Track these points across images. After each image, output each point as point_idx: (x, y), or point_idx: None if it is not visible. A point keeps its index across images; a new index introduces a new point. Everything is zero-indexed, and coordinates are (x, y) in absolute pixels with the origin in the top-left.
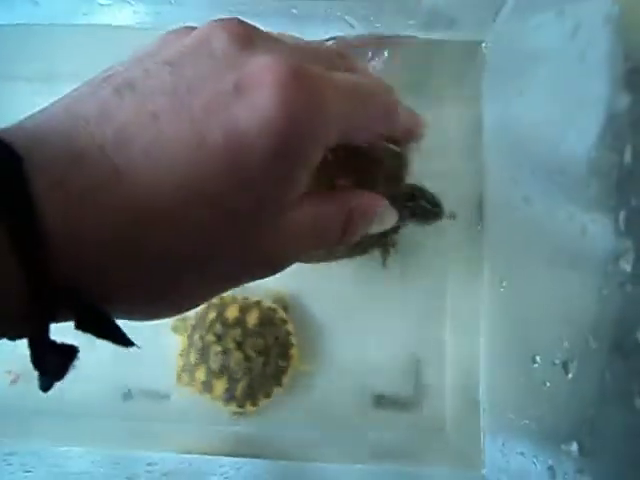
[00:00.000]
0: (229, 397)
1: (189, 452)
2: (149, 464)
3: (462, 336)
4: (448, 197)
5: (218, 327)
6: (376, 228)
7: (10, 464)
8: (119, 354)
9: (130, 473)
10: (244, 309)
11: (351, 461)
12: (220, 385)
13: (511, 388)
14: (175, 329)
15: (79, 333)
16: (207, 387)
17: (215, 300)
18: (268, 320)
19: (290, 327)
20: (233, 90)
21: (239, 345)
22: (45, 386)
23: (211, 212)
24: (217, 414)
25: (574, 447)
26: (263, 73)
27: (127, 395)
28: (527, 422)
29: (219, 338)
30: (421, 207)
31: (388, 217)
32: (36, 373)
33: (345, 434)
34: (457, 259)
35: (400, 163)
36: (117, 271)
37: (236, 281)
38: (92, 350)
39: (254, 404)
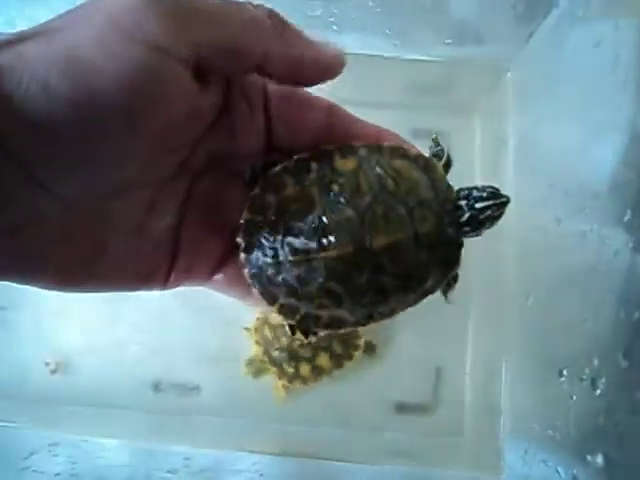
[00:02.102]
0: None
1: (220, 446)
2: (186, 459)
3: (483, 347)
4: None
5: None
6: None
7: (56, 455)
8: (150, 349)
9: (170, 467)
10: None
11: (373, 461)
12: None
13: (535, 399)
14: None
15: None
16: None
17: None
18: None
19: None
20: None
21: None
22: None
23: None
24: (244, 407)
25: (600, 459)
26: None
27: (157, 388)
28: (551, 432)
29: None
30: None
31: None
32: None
33: (368, 436)
34: (480, 273)
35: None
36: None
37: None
38: (125, 346)
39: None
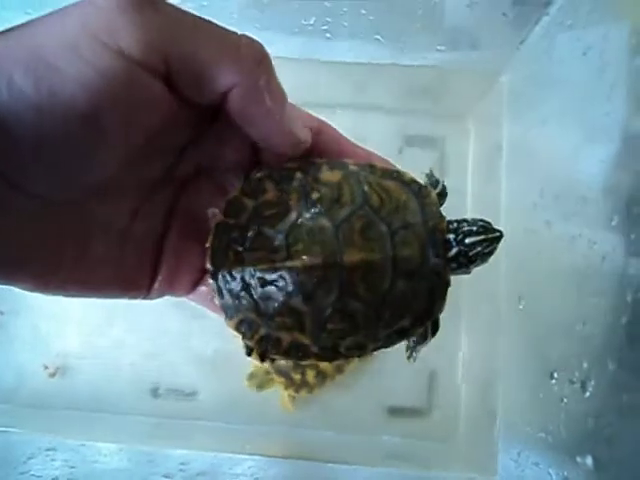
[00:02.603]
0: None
1: (217, 449)
2: (182, 463)
3: (477, 350)
4: (466, 213)
5: None
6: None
7: (54, 460)
8: (148, 354)
9: (166, 471)
10: None
11: (368, 464)
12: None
13: (528, 402)
14: None
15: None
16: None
17: None
18: None
19: None
20: None
21: None
22: None
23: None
24: (241, 411)
25: (589, 460)
26: None
27: (155, 393)
28: (543, 435)
29: None
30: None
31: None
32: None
33: (364, 440)
34: (473, 277)
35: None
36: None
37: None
38: (122, 350)
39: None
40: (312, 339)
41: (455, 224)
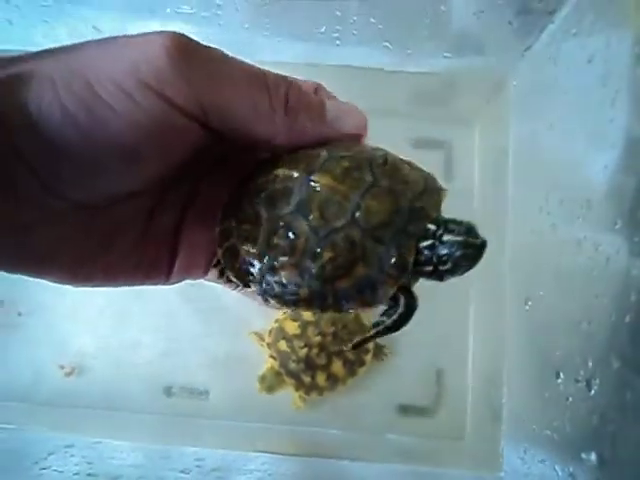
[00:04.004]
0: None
1: (230, 447)
2: (198, 459)
3: (484, 350)
4: (473, 218)
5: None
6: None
7: (73, 455)
8: (162, 354)
9: (183, 467)
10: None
11: (376, 461)
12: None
13: (534, 401)
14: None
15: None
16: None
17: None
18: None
19: None
20: None
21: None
22: None
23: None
24: (253, 410)
25: (593, 457)
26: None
27: (169, 392)
28: (549, 433)
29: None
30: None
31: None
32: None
33: (372, 438)
34: (479, 278)
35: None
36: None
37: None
38: (137, 350)
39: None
40: (259, 254)
41: (444, 221)
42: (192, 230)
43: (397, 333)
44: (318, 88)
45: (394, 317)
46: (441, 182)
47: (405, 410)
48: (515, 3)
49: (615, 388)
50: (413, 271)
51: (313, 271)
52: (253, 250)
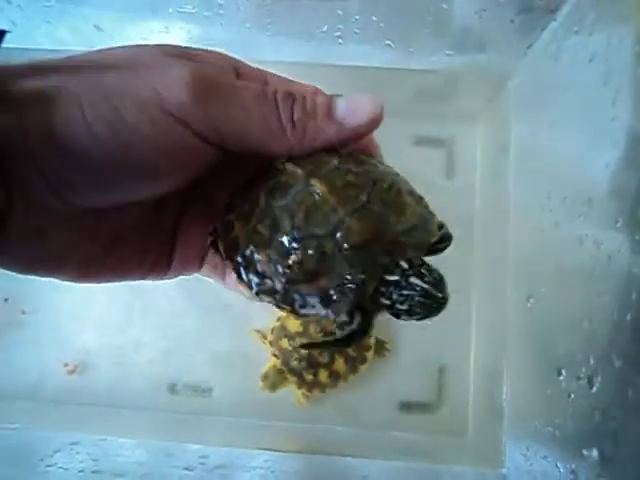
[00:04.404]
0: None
1: (233, 444)
2: (202, 456)
3: (486, 347)
4: (475, 215)
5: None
6: None
7: (78, 453)
8: (165, 352)
9: (186, 464)
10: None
11: (379, 458)
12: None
13: (536, 398)
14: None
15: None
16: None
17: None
18: None
19: None
20: None
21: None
22: None
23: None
24: (256, 407)
25: (594, 453)
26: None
27: (173, 389)
28: (551, 429)
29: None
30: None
31: None
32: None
33: (374, 435)
34: (482, 275)
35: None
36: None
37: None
38: (140, 348)
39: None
40: (246, 235)
41: (419, 264)
42: (188, 227)
43: (399, 330)
44: (315, 91)
45: (345, 332)
46: (443, 179)
47: (407, 407)
48: (517, 1)
49: (617, 385)
50: (371, 299)
51: (280, 268)
52: (243, 230)
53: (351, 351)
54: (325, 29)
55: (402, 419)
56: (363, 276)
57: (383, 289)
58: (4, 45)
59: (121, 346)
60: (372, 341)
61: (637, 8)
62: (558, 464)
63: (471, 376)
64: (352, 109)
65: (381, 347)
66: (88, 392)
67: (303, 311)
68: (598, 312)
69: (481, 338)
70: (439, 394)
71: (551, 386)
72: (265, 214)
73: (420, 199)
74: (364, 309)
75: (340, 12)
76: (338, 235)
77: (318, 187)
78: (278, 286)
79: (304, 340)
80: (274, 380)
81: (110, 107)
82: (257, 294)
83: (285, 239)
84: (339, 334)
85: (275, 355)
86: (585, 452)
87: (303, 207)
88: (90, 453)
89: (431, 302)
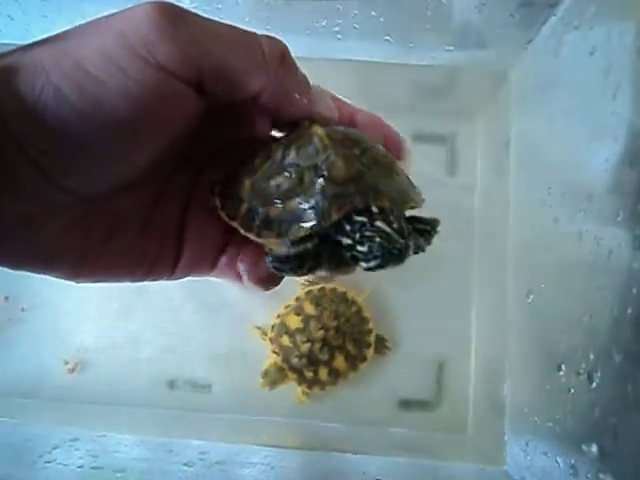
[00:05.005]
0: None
1: (232, 441)
2: (201, 452)
3: (486, 343)
4: (475, 211)
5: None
6: None
7: (77, 449)
8: (165, 348)
9: (186, 460)
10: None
11: (378, 454)
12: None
13: (536, 393)
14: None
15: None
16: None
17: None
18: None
19: None
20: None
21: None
22: None
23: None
24: (256, 404)
25: (594, 448)
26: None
27: (172, 385)
28: (551, 425)
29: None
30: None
31: None
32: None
33: (374, 432)
34: (482, 270)
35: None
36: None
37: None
38: (139, 344)
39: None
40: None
41: (389, 213)
42: (197, 223)
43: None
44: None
45: (289, 251)
46: (443, 175)
47: (407, 404)
48: None
49: (616, 381)
50: (334, 233)
51: (262, 188)
52: (243, 169)
53: (352, 349)
54: (324, 24)
55: (402, 416)
56: (327, 205)
57: (348, 227)
58: (1, 41)
59: (120, 342)
60: (372, 338)
61: (637, 2)
62: (558, 460)
63: (471, 373)
64: (320, 93)
65: (381, 345)
66: (87, 388)
67: (265, 233)
68: (598, 308)
69: (481, 334)
70: (439, 391)
71: (551, 382)
72: (264, 153)
73: (413, 186)
74: (324, 241)
75: (339, 7)
76: (321, 167)
77: (317, 130)
78: (254, 206)
79: (304, 337)
80: (274, 377)
81: (73, 62)
82: (231, 218)
83: (272, 167)
84: (282, 253)
85: (275, 352)
86: (585, 447)
87: (298, 143)
88: (89, 449)
89: (390, 247)
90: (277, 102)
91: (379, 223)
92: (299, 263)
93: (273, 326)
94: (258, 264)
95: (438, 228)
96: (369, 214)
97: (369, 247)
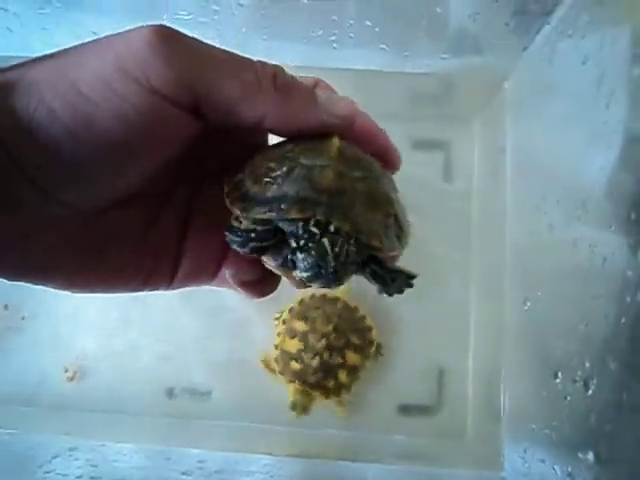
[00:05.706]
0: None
1: (232, 449)
2: (200, 461)
3: (484, 350)
4: (472, 217)
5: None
6: None
7: (77, 459)
8: (163, 356)
9: (184, 469)
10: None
11: (378, 461)
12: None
13: (533, 400)
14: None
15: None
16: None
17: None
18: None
19: None
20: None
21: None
22: None
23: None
24: (255, 411)
25: (590, 456)
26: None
27: (171, 394)
28: (548, 432)
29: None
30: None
31: None
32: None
33: (373, 438)
34: (479, 277)
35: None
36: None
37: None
38: (138, 352)
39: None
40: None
41: (337, 233)
42: (198, 234)
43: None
44: (317, 81)
45: (247, 227)
46: (440, 183)
47: (406, 410)
48: (511, 4)
49: (612, 388)
50: (288, 232)
51: (259, 166)
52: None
53: (356, 340)
54: (320, 33)
55: (401, 422)
56: (293, 202)
57: (300, 231)
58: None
59: (120, 351)
60: (369, 322)
61: (630, 10)
62: (555, 467)
63: (470, 379)
64: (330, 98)
65: (377, 350)
66: (86, 397)
67: (238, 204)
68: (593, 315)
69: (479, 341)
70: (438, 397)
71: (548, 389)
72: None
73: (402, 229)
74: (280, 236)
75: (335, 17)
76: (313, 169)
77: (335, 143)
78: (246, 190)
79: (310, 355)
80: (302, 403)
81: (68, 83)
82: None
83: (279, 153)
84: (245, 224)
85: (292, 381)
86: (581, 455)
87: (312, 145)
88: (89, 459)
89: (321, 266)
90: (283, 125)
91: (324, 240)
92: (247, 240)
93: (276, 359)
94: (243, 268)
95: (410, 283)
96: (324, 229)
97: (303, 258)
